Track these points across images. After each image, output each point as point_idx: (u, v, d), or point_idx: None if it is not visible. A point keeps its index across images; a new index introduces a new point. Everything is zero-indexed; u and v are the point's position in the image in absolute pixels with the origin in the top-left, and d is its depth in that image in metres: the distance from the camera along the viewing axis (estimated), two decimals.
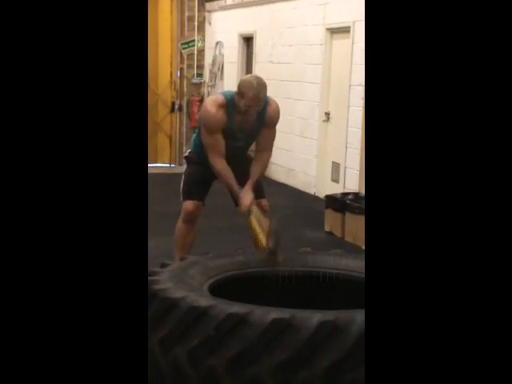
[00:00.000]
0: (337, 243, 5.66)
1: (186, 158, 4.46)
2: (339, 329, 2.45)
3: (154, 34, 10.85)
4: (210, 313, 2.52)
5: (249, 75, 4.32)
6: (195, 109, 10.84)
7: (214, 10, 10.84)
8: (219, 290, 2.99)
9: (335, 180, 7.65)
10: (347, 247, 5.52)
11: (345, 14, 7.31)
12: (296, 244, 5.36)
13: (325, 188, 7.68)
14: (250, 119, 4.06)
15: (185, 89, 10.99)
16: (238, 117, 4.07)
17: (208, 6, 10.99)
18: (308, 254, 3.43)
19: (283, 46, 8.73)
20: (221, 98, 4.13)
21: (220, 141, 4.09)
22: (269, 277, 3.26)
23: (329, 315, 2.48)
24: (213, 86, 10.78)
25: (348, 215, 5.84)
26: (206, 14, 11.05)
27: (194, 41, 11.01)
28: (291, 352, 2.43)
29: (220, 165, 4.09)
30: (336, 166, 7.65)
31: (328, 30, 7.75)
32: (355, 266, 3.26)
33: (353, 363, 2.43)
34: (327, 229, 6.17)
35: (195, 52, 10.96)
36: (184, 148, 10.99)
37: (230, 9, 10.36)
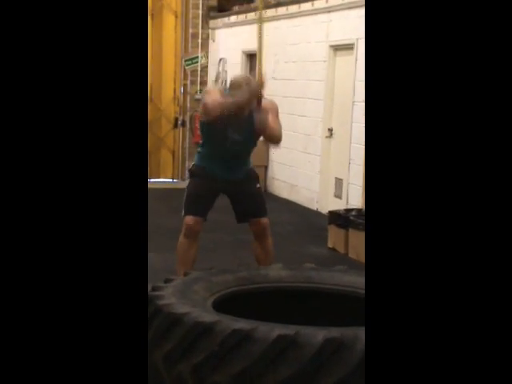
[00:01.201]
0: (340, 259, 5.63)
1: (190, 171, 4.46)
2: (344, 346, 2.43)
3: (159, 50, 10.89)
4: (215, 329, 2.50)
5: (238, 76, 4.49)
6: (198, 124, 10.84)
7: (218, 28, 10.88)
8: (223, 305, 2.97)
9: (338, 196, 7.64)
10: (351, 263, 5.49)
11: (348, 32, 7.32)
12: (299, 260, 5.34)
13: (328, 204, 7.66)
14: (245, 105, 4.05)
15: (188, 105, 11.01)
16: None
17: (212, 23, 11.03)
18: (312, 270, 3.41)
19: (287, 62, 8.75)
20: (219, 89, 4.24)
21: (217, 93, 4.14)
22: (273, 293, 3.24)
23: (334, 332, 2.46)
24: None
25: (351, 231, 5.82)
26: (210, 31, 11.08)
27: (197, 57, 11.04)
28: (296, 369, 2.40)
29: (209, 100, 4.02)
30: (339, 182, 7.64)
31: (331, 47, 7.77)
32: (359, 282, 3.24)
33: (358, 380, 2.40)
34: (330, 245, 6.14)
35: (199, 68, 10.99)
36: (187, 163, 10.99)
37: (233, 26, 10.40)
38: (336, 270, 3.41)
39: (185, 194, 4.33)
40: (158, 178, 10.85)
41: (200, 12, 11.08)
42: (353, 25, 7.16)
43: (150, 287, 3.00)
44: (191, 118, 10.95)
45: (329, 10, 7.73)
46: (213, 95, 4.08)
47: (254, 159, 9.18)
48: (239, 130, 4.16)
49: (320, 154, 8.04)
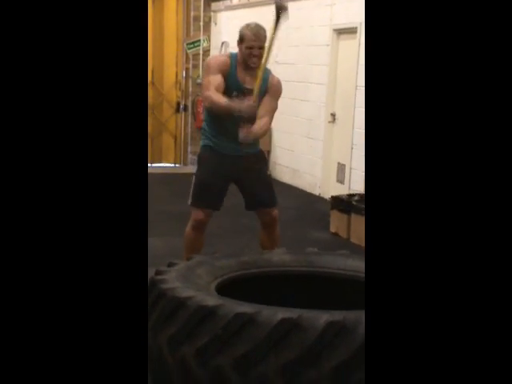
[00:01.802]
0: (342, 244, 5.67)
1: (198, 155, 4.24)
2: (347, 329, 2.46)
3: (160, 34, 10.88)
4: (218, 312, 2.53)
5: (247, 23, 4.19)
6: (200, 109, 10.84)
7: (220, 10, 10.86)
8: (226, 289, 3.00)
9: (340, 181, 7.66)
10: (353, 248, 5.52)
11: (352, 15, 7.31)
12: (302, 244, 5.37)
13: (330, 189, 7.69)
14: (253, 77, 3.93)
15: (190, 89, 11.01)
16: (241, 71, 3.99)
17: (214, 6, 11.00)
18: (314, 255, 3.44)
19: (289, 46, 8.74)
20: (226, 53, 4.12)
21: (219, 80, 3.93)
22: (276, 277, 3.28)
23: (336, 315, 2.49)
24: None
25: (354, 216, 5.84)
26: (212, 13, 11.06)
27: (199, 41, 11.03)
28: (299, 352, 2.44)
29: (214, 95, 3.86)
30: (341, 167, 7.65)
31: (335, 30, 7.76)
32: (361, 266, 3.27)
33: (360, 363, 2.43)
34: (333, 230, 6.17)
35: (201, 52, 10.98)
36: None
37: (235, 9, 10.38)
38: (338, 255, 3.44)
39: (192, 182, 4.14)
40: (160, 162, 10.87)
41: None
42: (356, 8, 7.14)
43: (153, 271, 3.03)
44: (193, 103, 10.96)
45: None
46: (217, 95, 3.91)
47: None
48: (245, 90, 3.96)
49: (322, 139, 8.06)
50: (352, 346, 2.44)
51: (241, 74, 4.01)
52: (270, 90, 4.11)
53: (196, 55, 11.04)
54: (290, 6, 8.71)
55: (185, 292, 2.68)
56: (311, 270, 3.29)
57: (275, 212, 4.21)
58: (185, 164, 10.73)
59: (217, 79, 3.94)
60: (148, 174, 6.54)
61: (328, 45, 7.86)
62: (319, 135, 8.12)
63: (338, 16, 7.68)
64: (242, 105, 3.78)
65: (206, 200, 4.12)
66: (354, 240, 5.86)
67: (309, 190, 8.33)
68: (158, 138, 10.92)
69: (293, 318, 2.47)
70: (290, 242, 5.58)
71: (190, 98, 10.95)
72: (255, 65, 3.94)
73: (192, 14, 11.06)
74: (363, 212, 5.68)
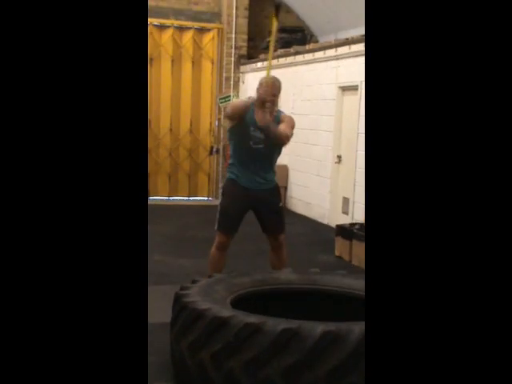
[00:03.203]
0: (345, 266, 5.57)
1: (223, 187, 4.25)
2: (340, 337, 2.40)
3: (198, 91, 10.96)
4: (231, 322, 2.49)
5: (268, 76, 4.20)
6: (229, 151, 10.88)
7: (247, 72, 10.94)
8: (240, 303, 2.95)
9: (345, 212, 7.58)
10: (353, 269, 5.44)
11: (354, 75, 7.30)
12: (310, 265, 5.29)
13: (336, 219, 7.60)
14: (267, 115, 3.91)
15: (221, 135, 11.05)
16: (256, 112, 3.98)
17: (242, 68, 11.10)
18: (317, 274, 3.38)
19: (302, 100, 8.75)
20: (247, 97, 4.21)
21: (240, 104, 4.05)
22: (283, 293, 3.22)
23: (331, 326, 2.43)
24: None
25: (355, 242, 5.76)
26: (240, 74, 11.14)
27: (229, 96, 11.06)
28: (298, 357, 2.38)
29: (232, 104, 4.09)
30: (346, 201, 7.58)
31: (340, 87, 7.75)
32: (356, 284, 3.20)
33: (351, 368, 2.37)
34: (337, 253, 6.08)
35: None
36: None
37: (259, 70, 10.43)
38: (337, 274, 3.38)
39: (218, 210, 4.16)
40: (196, 196, 10.87)
41: (232, 59, 11.15)
42: (357, 70, 7.14)
43: (179, 287, 2.99)
44: (224, 147, 10.99)
45: (337, 57, 7.72)
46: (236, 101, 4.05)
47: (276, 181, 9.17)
48: (261, 129, 3.96)
49: (330, 177, 8.00)
50: (344, 352, 2.38)
51: (257, 114, 4.01)
52: (283, 120, 4.10)
53: (227, 108, 11.08)
54: (304, 68, 8.77)
55: (203, 305, 2.64)
56: (313, 287, 3.24)
57: (282, 237, 4.18)
58: (216, 197, 10.71)
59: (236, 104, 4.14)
60: (185, 206, 6.55)
61: (334, 99, 7.84)
62: (327, 173, 8.07)
63: (342, 76, 7.68)
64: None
65: (228, 225, 4.12)
66: (354, 262, 5.76)
67: (319, 219, 8.25)
68: (194, 176, 10.95)
69: (293, 327, 2.42)
70: (300, 263, 5.52)
71: (222, 143, 10.98)
72: (269, 108, 3.94)
73: (224, 74, 11.15)
74: (362, 238, 5.59)
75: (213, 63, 11.10)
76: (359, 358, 2.35)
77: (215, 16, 11.33)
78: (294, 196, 9.14)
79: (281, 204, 4.23)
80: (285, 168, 9.23)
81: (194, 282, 3.04)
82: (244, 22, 11.28)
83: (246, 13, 11.28)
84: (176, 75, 10.84)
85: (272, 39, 4.29)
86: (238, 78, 11.16)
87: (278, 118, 4.06)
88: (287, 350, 2.40)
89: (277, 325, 2.44)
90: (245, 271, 3.44)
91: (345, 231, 5.95)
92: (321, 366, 2.37)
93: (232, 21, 11.18)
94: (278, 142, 3.99)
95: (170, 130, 10.78)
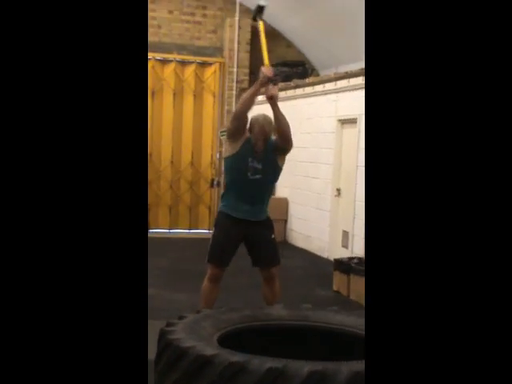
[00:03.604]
0: (343, 301, 5.47)
1: (216, 219, 4.21)
2: (327, 378, 2.30)
3: (199, 123, 11.00)
4: (215, 361, 2.40)
5: (257, 114, 4.19)
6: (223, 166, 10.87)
7: None
8: (228, 340, 2.86)
9: (345, 246, 7.49)
10: (351, 304, 5.34)
11: (352, 108, 7.29)
12: (306, 300, 5.19)
13: (336, 252, 7.52)
14: (261, 147, 3.98)
15: (222, 168, 11.02)
16: (255, 141, 4.01)
17: None
18: (308, 310, 3.29)
19: (302, 133, 8.73)
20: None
21: None
22: (272, 329, 3.12)
23: (318, 366, 2.34)
24: None
25: (353, 276, 5.66)
26: None
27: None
28: None
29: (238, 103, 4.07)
30: (346, 234, 7.50)
31: (339, 120, 7.73)
32: (348, 321, 3.11)
33: None
34: (335, 288, 5.98)
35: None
36: None
37: (259, 104, 10.41)
38: (330, 311, 3.28)
39: (210, 242, 4.10)
40: (197, 228, 10.81)
41: (234, 92, 11.19)
42: (356, 103, 7.13)
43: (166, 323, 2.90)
44: (224, 179, 10.97)
45: (337, 91, 7.72)
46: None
47: (276, 214, 9.13)
48: (258, 158, 3.97)
49: (330, 210, 7.93)
50: None
51: (255, 144, 4.02)
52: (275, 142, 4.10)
53: (227, 141, 11.09)
54: (303, 101, 8.77)
55: (187, 342, 2.55)
56: (304, 323, 3.14)
57: (275, 270, 4.11)
58: None
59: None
60: (185, 238, 6.45)
61: (334, 132, 7.82)
62: (327, 207, 8.01)
63: (341, 109, 7.67)
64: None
65: (220, 258, 4.06)
66: (352, 297, 5.65)
67: (318, 253, 8.16)
68: (195, 208, 10.90)
69: (279, 367, 2.32)
70: (296, 298, 5.43)
71: (223, 176, 10.96)
72: (260, 149, 3.95)
73: (226, 107, 11.18)
74: (361, 273, 5.50)
75: (214, 96, 11.15)
76: None
77: (217, 50, 11.41)
78: (294, 229, 9.06)
79: (273, 236, 4.16)
80: (285, 201, 9.18)
81: (180, 318, 2.95)
82: (246, 56, 11.35)
83: (248, 47, 11.36)
84: (178, 108, 10.87)
85: (263, 41, 4.25)
86: None
87: (270, 145, 4.03)
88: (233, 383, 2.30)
89: (262, 364, 2.34)
90: (235, 306, 3.35)
91: (343, 265, 5.86)
92: None
93: (234, 55, 11.26)
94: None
95: (171, 162, 10.77)
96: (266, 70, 3.93)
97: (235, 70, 11.24)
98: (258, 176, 3.97)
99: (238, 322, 3.04)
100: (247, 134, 3.98)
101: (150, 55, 10.73)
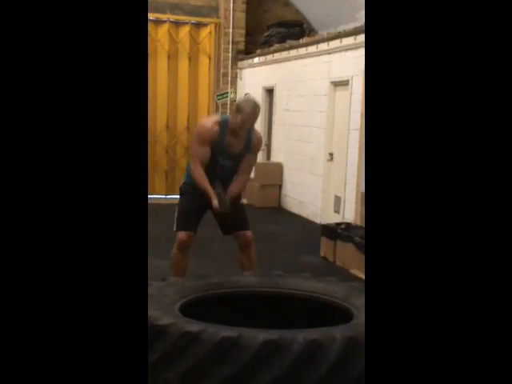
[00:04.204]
0: (328, 267, 5.44)
1: (180, 189, 4.15)
2: (282, 347, 2.26)
3: (195, 87, 10.86)
4: (169, 330, 2.36)
5: (246, 97, 4.13)
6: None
7: (244, 67, 10.81)
8: (191, 308, 2.82)
9: (337, 211, 7.44)
10: (337, 270, 5.30)
11: (345, 70, 7.15)
12: (292, 266, 5.17)
13: (328, 218, 7.47)
14: (239, 140, 3.85)
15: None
16: (229, 137, 3.85)
17: (239, 64, 10.97)
18: (279, 277, 3.24)
19: (296, 96, 8.61)
20: (217, 117, 4.02)
21: (206, 153, 3.84)
22: (238, 296, 3.08)
23: (273, 334, 2.29)
24: None
25: (339, 242, 5.61)
26: (238, 70, 11.02)
27: (227, 93, 10.97)
28: (237, 368, 2.25)
29: (198, 172, 3.86)
30: (338, 199, 7.43)
31: (332, 83, 7.60)
32: (318, 287, 3.06)
33: (293, 379, 2.24)
34: (322, 254, 5.94)
35: (228, 102, 10.91)
36: None
37: (256, 66, 10.31)
38: (299, 277, 3.23)
39: (176, 211, 4.08)
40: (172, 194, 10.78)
41: (230, 55, 11.03)
42: (349, 64, 6.99)
43: None
44: None
45: (329, 51, 7.57)
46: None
47: (271, 179, 9.06)
48: (230, 157, 3.93)
49: (322, 175, 7.86)
50: (285, 362, 2.24)
51: (229, 140, 3.88)
52: (254, 147, 4.01)
53: (224, 104, 10.96)
54: (298, 63, 8.63)
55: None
56: (271, 290, 3.09)
57: (249, 234, 4.05)
58: None
59: (203, 152, 3.86)
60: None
61: (326, 95, 7.69)
62: (320, 171, 7.92)
63: (334, 71, 7.52)
64: (216, 200, 3.81)
65: (187, 224, 4.02)
66: (338, 263, 5.61)
67: (311, 218, 8.11)
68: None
69: (233, 336, 2.28)
70: (282, 264, 5.40)
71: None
72: (243, 134, 3.86)
73: (222, 70, 11.03)
74: (347, 239, 5.45)
75: (210, 59, 10.99)
76: (302, 369, 2.21)
77: (212, 10, 11.20)
78: (289, 195, 9.00)
79: (241, 201, 4.12)
80: (279, 166, 9.10)
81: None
82: (242, 16, 11.14)
83: (244, 7, 11.15)
84: (172, 71, 10.73)
85: None
86: (236, 73, 11.03)
87: (249, 140, 3.96)
88: (226, 360, 2.27)
89: (216, 333, 2.30)
90: (206, 273, 3.31)
91: (330, 231, 5.80)
92: (260, 378, 2.23)
93: (229, 15, 11.05)
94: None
95: (167, 126, 10.69)
96: (220, 204, 3.88)
97: (231, 31, 11.04)
98: (225, 172, 3.97)
99: (204, 289, 3.00)
100: (217, 129, 3.84)
101: (166, 17, 10.58)
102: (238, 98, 10.87)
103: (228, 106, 10.87)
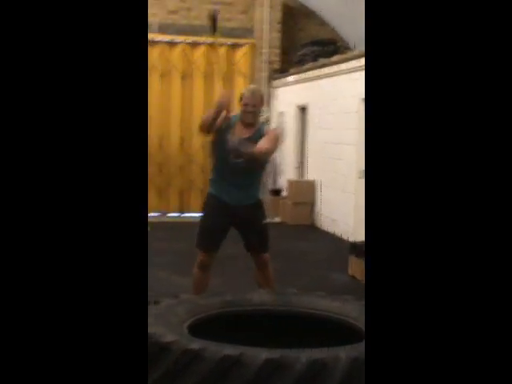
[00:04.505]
0: (356, 285, 5.35)
1: (204, 202, 4.11)
2: (284, 366, 2.23)
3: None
4: (171, 348, 2.35)
5: (250, 85, 4.20)
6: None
7: (279, 86, 10.85)
8: (202, 326, 2.80)
9: None
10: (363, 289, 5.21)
11: None
12: (319, 285, 5.10)
13: (360, 236, 7.35)
14: (249, 130, 3.86)
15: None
16: (238, 129, 3.88)
17: (274, 83, 11.02)
18: (293, 295, 3.20)
19: (328, 114, 8.57)
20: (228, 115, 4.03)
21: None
22: (251, 315, 3.05)
23: (275, 353, 2.26)
24: None
25: None
26: (272, 89, 11.06)
27: (262, 111, 11.01)
28: None
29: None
30: None
31: (362, 99, 7.54)
32: (333, 307, 3.01)
33: None
34: (350, 273, 5.85)
35: (264, 120, 10.94)
36: None
37: (290, 85, 10.33)
38: (315, 296, 3.19)
39: (199, 226, 4.04)
40: None
41: (264, 74, 11.09)
42: None
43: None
44: None
45: (360, 69, 7.51)
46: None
47: (303, 197, 9.00)
48: (240, 141, 3.85)
49: (354, 192, 7.77)
50: (286, 382, 2.20)
51: (238, 131, 3.88)
52: (266, 134, 3.95)
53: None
54: (329, 81, 8.58)
55: (150, 329, 2.50)
56: (283, 309, 3.05)
57: (265, 256, 4.01)
58: None
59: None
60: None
61: (356, 112, 7.63)
62: (352, 189, 7.84)
63: (363, 88, 7.47)
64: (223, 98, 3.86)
65: (209, 243, 4.00)
66: None
67: (343, 236, 8.01)
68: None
69: (234, 354, 2.26)
70: (309, 282, 5.34)
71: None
72: (249, 120, 3.87)
73: None
74: None
75: (245, 78, 11.06)
76: None
77: (248, 31, 11.30)
78: (321, 212, 8.94)
79: (265, 221, 4.06)
80: (312, 184, 9.06)
81: (155, 302, 2.91)
82: (277, 36, 11.21)
83: (279, 27, 11.21)
84: (208, 91, 10.83)
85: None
86: (270, 92, 11.07)
87: (260, 132, 3.91)
88: (227, 378, 2.24)
89: (218, 351, 2.28)
90: (219, 291, 3.30)
91: (358, 249, 5.72)
92: None
93: (264, 36, 11.13)
94: (254, 161, 3.85)
95: (202, 146, 10.78)
96: (245, 102, 3.90)
97: (266, 50, 11.11)
98: (239, 160, 3.85)
99: (217, 307, 2.99)
100: (228, 115, 3.87)
101: (181, 39, 10.72)
102: (272, 116, 10.91)
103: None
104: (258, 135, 3.87)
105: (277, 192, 10.18)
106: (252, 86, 4.03)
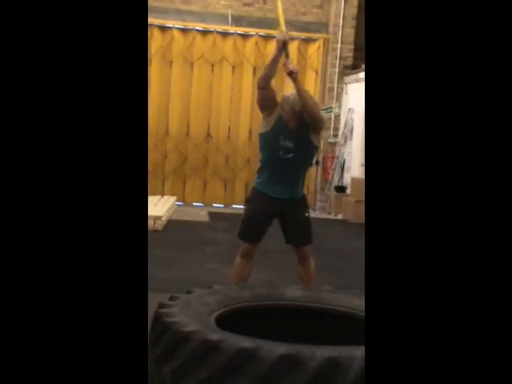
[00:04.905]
0: None
1: (249, 195, 4.18)
2: (298, 363, 2.21)
3: None
4: (191, 338, 2.38)
5: (289, 93, 4.09)
6: (329, 164, 10.70)
7: (350, 82, 10.71)
8: (230, 319, 2.82)
9: None
10: None
11: None
12: (361, 283, 5.00)
13: None
14: (295, 116, 3.91)
15: (321, 147, 10.86)
16: (288, 119, 3.94)
17: (346, 79, 10.89)
18: (327, 292, 3.16)
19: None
20: None
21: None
22: (280, 309, 3.05)
23: (292, 349, 2.25)
24: (343, 145, 10.58)
25: None
26: (344, 85, 10.93)
27: (331, 107, 10.92)
28: (251, 380, 2.23)
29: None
30: None
31: None
32: (363, 305, 2.96)
33: None
34: None
35: (332, 116, 10.84)
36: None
37: (361, 81, 10.17)
38: (349, 294, 3.14)
39: (242, 217, 4.13)
40: None
41: (337, 70, 10.98)
42: None
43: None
44: (323, 159, 10.82)
45: None
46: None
47: (356, 195, 8.83)
48: (290, 137, 3.91)
49: None
50: (301, 379, 2.19)
51: (288, 123, 3.94)
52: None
53: (328, 119, 10.90)
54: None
55: (174, 317, 2.53)
56: (314, 305, 3.03)
57: (306, 250, 3.99)
58: (314, 210, 10.53)
59: None
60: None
61: None
62: None
63: None
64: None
65: (252, 234, 4.04)
66: None
67: None
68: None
69: (251, 347, 2.26)
70: (354, 280, 5.23)
71: (322, 155, 10.81)
72: (294, 127, 3.90)
73: (328, 85, 11.00)
74: None
75: (317, 73, 11.00)
76: None
77: (322, 26, 11.21)
78: None
79: (307, 214, 4.06)
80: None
81: (188, 292, 2.95)
82: (351, 31, 11.06)
83: (354, 22, 11.06)
84: (279, 85, 10.83)
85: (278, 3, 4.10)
86: (342, 88, 10.95)
87: (304, 123, 3.94)
88: (242, 371, 2.24)
89: (236, 343, 2.29)
90: (253, 284, 3.30)
91: None
92: None
93: (338, 31, 11.01)
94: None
95: None
96: (281, 34, 3.77)
97: (339, 46, 10.99)
98: (289, 155, 3.91)
99: (248, 300, 2.99)
100: (280, 110, 3.88)
101: (254, 31, 10.77)
102: (342, 113, 10.79)
103: (332, 121, 10.80)
104: (304, 124, 3.93)
105: (341, 189, 10.07)
106: (293, 95, 3.95)
